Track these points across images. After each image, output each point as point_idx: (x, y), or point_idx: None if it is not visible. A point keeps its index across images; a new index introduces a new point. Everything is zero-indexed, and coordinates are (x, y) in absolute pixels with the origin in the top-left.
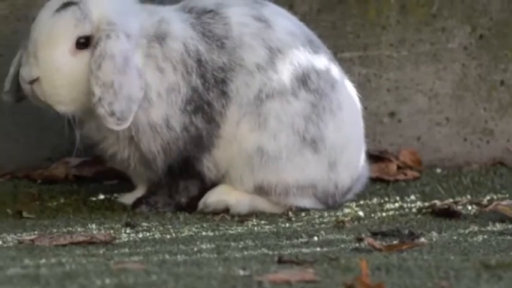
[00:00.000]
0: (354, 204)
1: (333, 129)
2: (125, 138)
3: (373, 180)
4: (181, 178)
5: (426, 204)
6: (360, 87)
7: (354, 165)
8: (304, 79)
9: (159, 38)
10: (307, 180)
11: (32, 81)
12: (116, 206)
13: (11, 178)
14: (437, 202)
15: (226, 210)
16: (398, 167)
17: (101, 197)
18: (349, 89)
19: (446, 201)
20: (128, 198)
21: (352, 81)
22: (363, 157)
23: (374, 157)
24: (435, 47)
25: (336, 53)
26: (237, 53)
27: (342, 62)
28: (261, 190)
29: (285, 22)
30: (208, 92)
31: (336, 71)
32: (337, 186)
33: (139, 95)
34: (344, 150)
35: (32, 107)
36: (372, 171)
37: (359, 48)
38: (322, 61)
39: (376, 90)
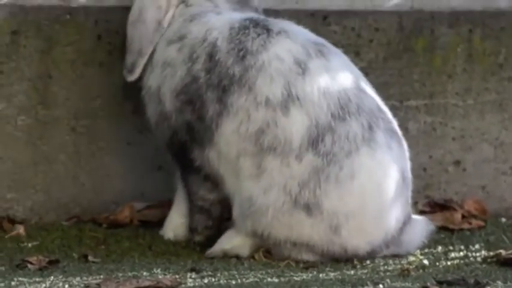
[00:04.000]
0: (418, 252)
1: (335, 198)
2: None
3: (438, 228)
4: (186, 171)
5: (491, 253)
6: (425, 135)
7: (373, 231)
8: (316, 140)
9: (191, 17)
10: (302, 239)
11: None
12: (181, 251)
13: (76, 222)
14: (503, 251)
15: (227, 256)
16: (463, 216)
17: (166, 241)
18: (385, 155)
19: (511, 251)
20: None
21: (418, 129)
22: (394, 219)
23: (439, 206)
24: (501, 96)
25: (402, 101)
26: (251, 74)
27: (408, 110)
28: (255, 236)
29: (324, 81)
30: (207, 90)
31: (366, 136)
32: (346, 250)
33: (147, 49)
34: (351, 218)
35: (97, 152)
36: (437, 220)
37: (425, 96)
38: (350, 127)
39: (442, 139)
